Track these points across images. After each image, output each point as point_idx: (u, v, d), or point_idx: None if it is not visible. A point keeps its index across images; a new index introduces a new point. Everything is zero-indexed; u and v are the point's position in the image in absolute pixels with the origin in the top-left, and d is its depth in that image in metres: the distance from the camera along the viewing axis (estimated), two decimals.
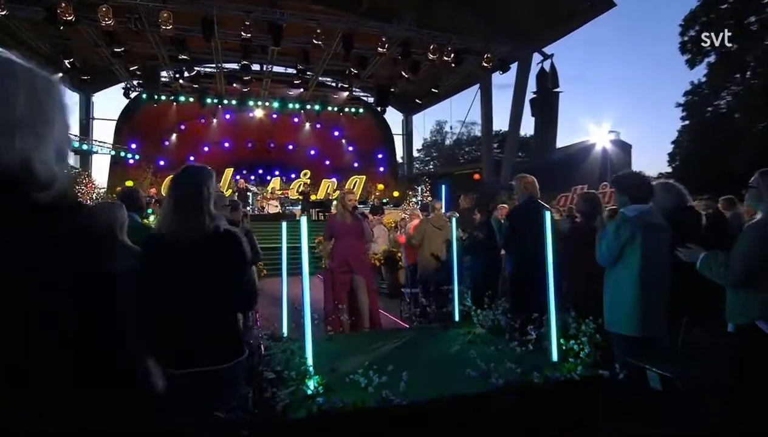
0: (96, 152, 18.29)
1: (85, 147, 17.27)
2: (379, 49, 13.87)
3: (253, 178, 21.71)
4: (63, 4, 11.25)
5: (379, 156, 23.17)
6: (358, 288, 5.31)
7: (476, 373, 2.81)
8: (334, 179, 22.00)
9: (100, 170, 19.89)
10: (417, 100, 19.98)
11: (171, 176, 2.11)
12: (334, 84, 19.68)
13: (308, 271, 2.76)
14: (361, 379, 2.63)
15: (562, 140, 30.49)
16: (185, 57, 14.38)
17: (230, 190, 19.62)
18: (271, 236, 14.78)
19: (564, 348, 3.04)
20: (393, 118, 31.15)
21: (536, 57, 17.77)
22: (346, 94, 19.39)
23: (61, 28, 11.99)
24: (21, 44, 14.51)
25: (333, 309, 4.90)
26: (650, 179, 3.24)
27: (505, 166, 18.54)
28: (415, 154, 40.32)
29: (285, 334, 4.05)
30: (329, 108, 21.35)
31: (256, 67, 17.96)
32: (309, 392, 2.60)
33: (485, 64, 15.44)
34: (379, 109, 20.69)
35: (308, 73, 18.08)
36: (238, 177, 20.78)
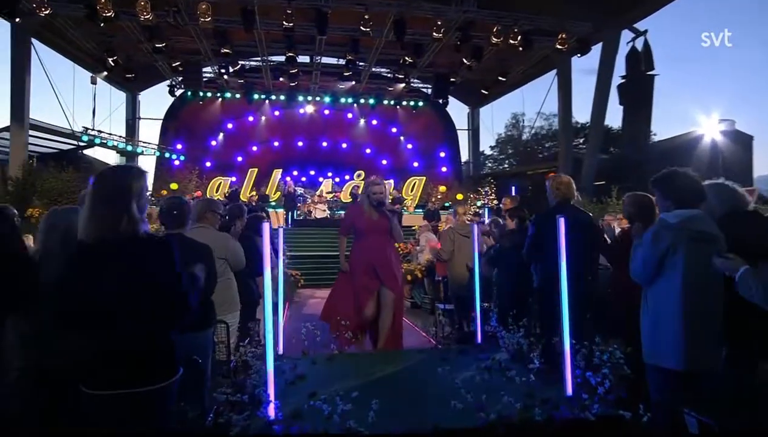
0: (141, 153, 19.63)
1: (129, 148, 18.58)
2: (435, 34, 13.79)
3: (304, 179, 22.36)
4: (102, 0, 12.20)
5: (441, 154, 22.98)
6: (383, 302, 4.89)
7: (462, 405, 2.69)
8: (391, 180, 22.04)
9: (149, 172, 21.30)
10: (483, 91, 19.62)
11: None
12: (389, 75, 19.80)
13: (270, 285, 2.76)
14: (324, 407, 2.59)
15: (659, 132, 28.72)
16: (227, 50, 15.07)
17: (278, 194, 20.32)
18: (314, 243, 15.16)
19: (579, 380, 2.84)
20: (457, 111, 30.87)
21: (625, 35, 16.84)
22: (402, 85, 19.44)
23: (102, 24, 13.00)
24: (68, 43, 16.00)
25: (339, 319, 4.70)
26: (701, 179, 2.94)
27: (587, 164, 17.71)
28: (488, 151, 39.72)
29: (280, 352, 4.11)
30: (385, 101, 21.53)
31: (305, 59, 18.57)
32: (270, 418, 2.61)
33: (560, 47, 14.88)
34: (440, 101, 20.54)
35: (360, 63, 18.38)
36: (288, 179, 21.51)
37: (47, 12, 12.81)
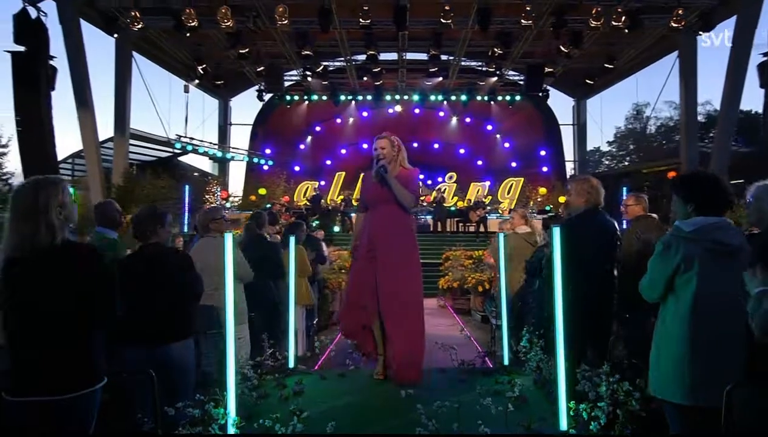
0: (231, 159, 21.06)
1: (219, 154, 20.01)
2: (524, 21, 13.31)
3: None
4: (187, 11, 13.28)
5: (542, 153, 22.08)
6: (383, 303, 3.83)
7: (427, 432, 2.57)
8: (486, 182, 21.69)
9: (239, 177, 22.88)
10: (588, 81, 18.57)
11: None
12: (480, 68, 19.40)
13: (233, 298, 2.78)
14: (278, 427, 2.60)
15: None
16: (308, 52, 15.71)
17: None
18: None
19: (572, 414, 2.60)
20: (562, 104, 29.27)
21: None
22: (494, 79, 18.99)
23: (188, 34, 14.14)
24: (163, 53, 17.64)
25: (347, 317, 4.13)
26: (727, 183, 2.59)
27: (716, 159, 16.01)
28: (605, 147, 37.50)
29: (292, 366, 4.18)
30: (478, 97, 21.12)
31: (392, 55, 18.82)
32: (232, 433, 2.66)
33: (675, 25, 13.66)
34: (539, 94, 19.77)
35: (450, 57, 18.27)
36: None
37: (140, 26, 14.17)
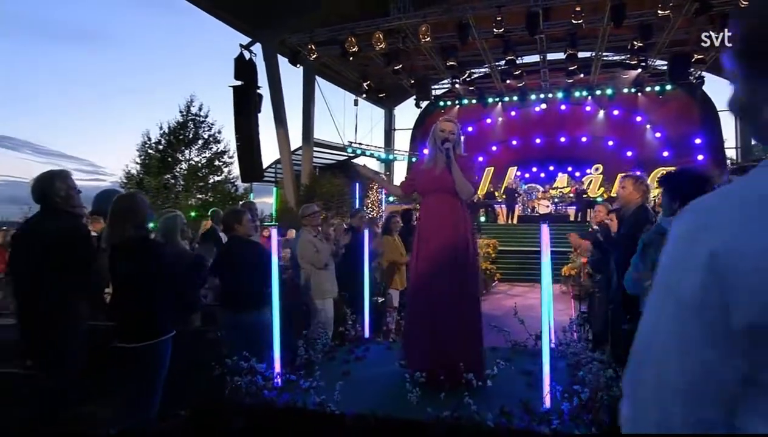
0: (394, 160, 22.05)
1: (382, 156, 21.11)
2: (660, 12, 11.78)
3: (543, 175, 21.73)
4: (349, 39, 14.28)
5: (697, 141, 19.17)
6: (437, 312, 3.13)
7: (417, 399, 2.69)
8: (635, 173, 19.57)
9: (402, 175, 23.85)
10: None
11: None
12: (625, 60, 17.51)
13: (277, 285, 3.14)
14: (302, 383, 2.92)
15: None
16: (453, 63, 15.79)
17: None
18: (525, 238, 14.71)
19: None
20: (722, 90, 24.83)
21: None
22: (636, 71, 17.03)
23: (351, 58, 15.17)
24: (337, 74, 19.16)
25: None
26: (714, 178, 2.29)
27: None
28: None
29: (366, 336, 4.50)
30: (625, 90, 19.12)
31: (535, 58, 18.01)
32: (260, 383, 3.05)
33: None
34: (692, 81, 17.25)
35: (590, 54, 16.91)
36: (527, 175, 21.44)
37: (315, 56, 15.60)
